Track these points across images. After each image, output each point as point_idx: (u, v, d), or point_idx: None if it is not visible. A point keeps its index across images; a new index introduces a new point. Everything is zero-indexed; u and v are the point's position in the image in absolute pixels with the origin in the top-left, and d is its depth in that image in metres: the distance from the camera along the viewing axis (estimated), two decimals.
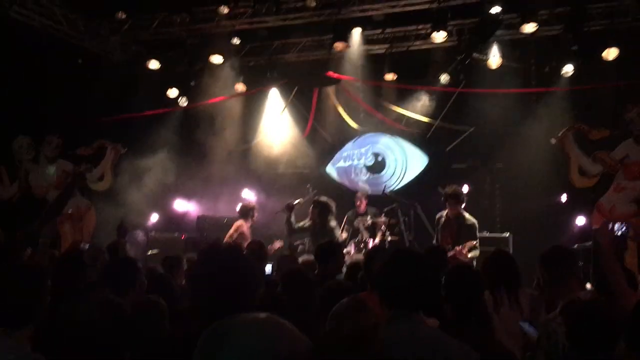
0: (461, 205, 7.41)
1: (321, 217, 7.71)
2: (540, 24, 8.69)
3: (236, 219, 8.39)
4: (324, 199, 7.88)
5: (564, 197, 9.32)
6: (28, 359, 2.41)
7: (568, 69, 8.94)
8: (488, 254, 4.40)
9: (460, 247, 7.11)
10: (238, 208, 8.48)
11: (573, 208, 9.19)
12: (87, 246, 6.70)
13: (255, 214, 8.29)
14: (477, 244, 7.26)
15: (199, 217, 9.98)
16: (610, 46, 8.41)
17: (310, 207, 7.91)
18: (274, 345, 1.18)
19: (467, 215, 7.45)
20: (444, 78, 9.56)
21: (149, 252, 8.63)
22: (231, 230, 8.10)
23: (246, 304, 1.97)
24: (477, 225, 7.41)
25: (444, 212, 7.54)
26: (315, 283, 3.69)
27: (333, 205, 7.81)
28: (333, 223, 7.75)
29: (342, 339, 1.49)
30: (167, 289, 3.65)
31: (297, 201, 8.10)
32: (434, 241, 7.61)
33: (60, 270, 4.02)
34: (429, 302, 2.44)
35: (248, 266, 2.15)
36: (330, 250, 5.25)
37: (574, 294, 3.11)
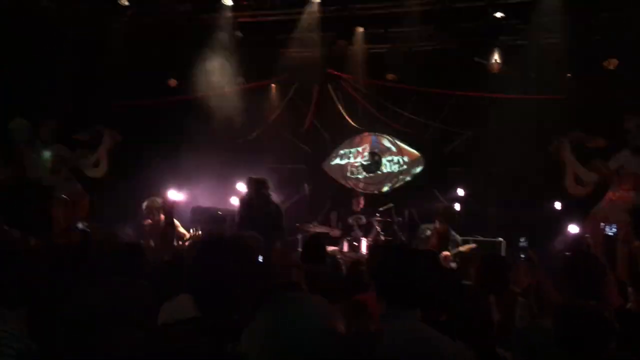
0: (453, 223, 7.64)
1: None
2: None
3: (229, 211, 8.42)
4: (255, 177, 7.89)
5: (558, 205, 9.35)
6: (18, 343, 2.34)
7: (568, 77, 8.95)
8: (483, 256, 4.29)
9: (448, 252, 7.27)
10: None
11: (566, 216, 9.21)
12: (82, 225, 6.65)
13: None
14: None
15: (193, 208, 9.94)
16: (611, 56, 8.43)
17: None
18: (324, 321, 1.18)
19: (453, 232, 7.70)
20: (445, 80, 9.55)
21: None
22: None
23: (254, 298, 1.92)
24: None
25: (430, 227, 7.72)
26: None
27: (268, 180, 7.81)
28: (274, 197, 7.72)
29: None
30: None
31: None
32: None
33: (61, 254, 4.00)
34: (426, 300, 2.45)
35: (254, 259, 2.06)
36: (322, 249, 4.97)
37: None
